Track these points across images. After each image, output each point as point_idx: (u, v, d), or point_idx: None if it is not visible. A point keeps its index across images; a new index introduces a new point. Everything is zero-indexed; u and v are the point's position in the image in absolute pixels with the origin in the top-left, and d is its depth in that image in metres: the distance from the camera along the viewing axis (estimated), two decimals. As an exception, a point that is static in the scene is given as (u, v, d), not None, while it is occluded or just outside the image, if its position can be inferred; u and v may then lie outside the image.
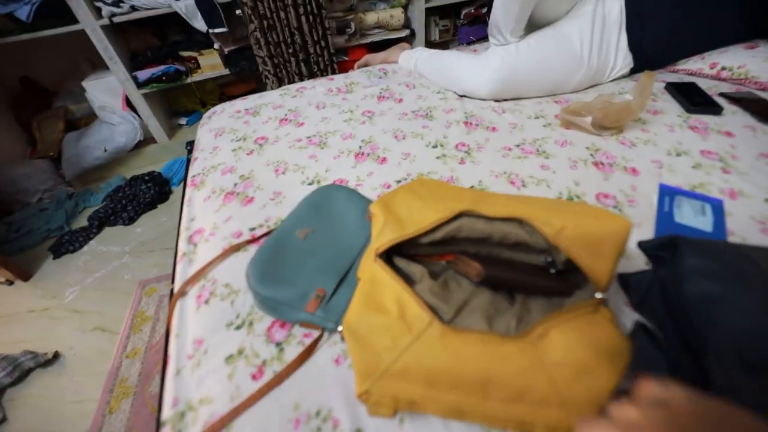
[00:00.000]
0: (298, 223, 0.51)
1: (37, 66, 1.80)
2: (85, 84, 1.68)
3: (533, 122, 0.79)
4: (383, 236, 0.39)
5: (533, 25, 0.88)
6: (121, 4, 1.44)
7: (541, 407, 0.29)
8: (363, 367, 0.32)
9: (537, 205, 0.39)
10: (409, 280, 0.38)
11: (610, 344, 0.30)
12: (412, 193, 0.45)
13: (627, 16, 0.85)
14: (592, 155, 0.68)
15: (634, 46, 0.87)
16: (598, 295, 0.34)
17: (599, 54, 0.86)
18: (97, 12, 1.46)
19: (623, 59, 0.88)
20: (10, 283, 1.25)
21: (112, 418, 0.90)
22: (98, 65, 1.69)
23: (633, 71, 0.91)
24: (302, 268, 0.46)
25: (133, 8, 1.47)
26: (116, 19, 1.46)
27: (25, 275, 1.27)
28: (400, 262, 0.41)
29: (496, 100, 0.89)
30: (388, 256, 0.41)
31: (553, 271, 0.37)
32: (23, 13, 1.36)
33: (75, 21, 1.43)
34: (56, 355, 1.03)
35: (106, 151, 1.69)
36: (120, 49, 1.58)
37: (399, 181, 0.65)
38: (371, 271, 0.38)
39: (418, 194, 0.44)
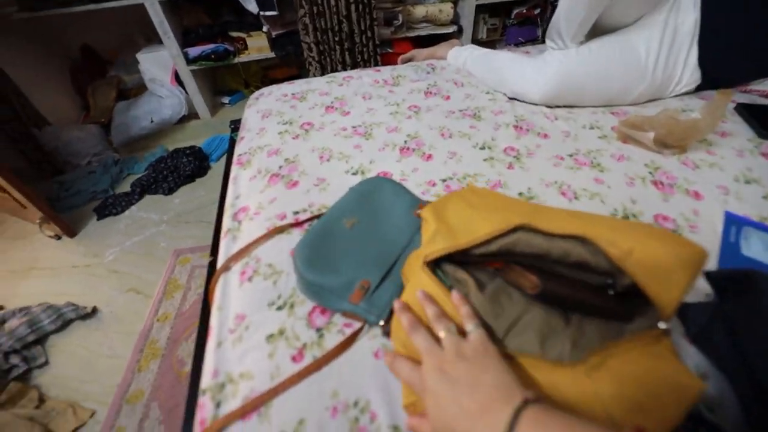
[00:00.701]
0: (345, 212, 0.52)
1: (96, 36, 1.89)
2: (138, 56, 1.75)
3: (588, 132, 0.76)
4: (434, 244, 0.38)
5: (597, 31, 0.84)
6: (180, -19, 1.48)
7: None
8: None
9: (600, 223, 0.37)
10: (456, 284, 0.37)
11: (674, 379, 0.29)
12: (463, 200, 0.44)
13: (701, 29, 0.80)
14: (651, 173, 0.64)
15: (704, 61, 0.81)
16: (662, 325, 0.32)
17: (665, 67, 0.81)
18: (157, -13, 1.51)
19: (690, 75, 0.83)
20: (59, 237, 1.34)
21: (141, 376, 0.95)
22: (152, 39, 1.76)
23: (699, 88, 0.85)
24: (348, 258, 0.46)
25: (191, -15, 1.52)
26: (174, -5, 1.51)
27: (72, 232, 1.35)
28: (448, 267, 0.40)
29: (549, 106, 0.85)
30: (436, 260, 0.40)
31: (611, 292, 0.35)
32: (91, -17, 1.43)
33: (136, -6, 1.49)
34: (94, 310, 1.10)
35: (152, 122, 1.76)
36: (174, 25, 1.63)
37: (444, 180, 0.64)
38: (419, 279, 0.37)
39: (470, 203, 0.43)
